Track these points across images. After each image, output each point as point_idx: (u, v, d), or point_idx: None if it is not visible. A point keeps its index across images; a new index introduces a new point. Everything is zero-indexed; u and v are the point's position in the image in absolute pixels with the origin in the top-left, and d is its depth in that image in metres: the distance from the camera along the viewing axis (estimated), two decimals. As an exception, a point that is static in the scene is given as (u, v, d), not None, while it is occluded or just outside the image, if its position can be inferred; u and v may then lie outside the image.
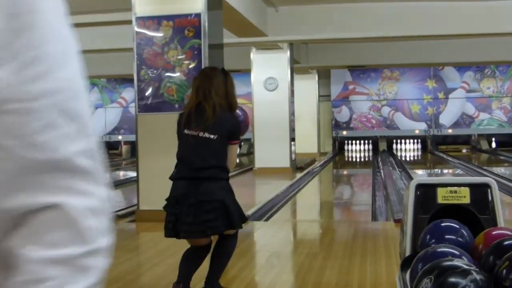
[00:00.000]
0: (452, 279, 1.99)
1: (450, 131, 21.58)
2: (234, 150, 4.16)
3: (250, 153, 18.20)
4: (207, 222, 3.86)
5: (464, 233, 2.54)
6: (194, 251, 4.13)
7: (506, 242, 2.33)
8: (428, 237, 2.56)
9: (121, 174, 16.14)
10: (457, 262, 2.09)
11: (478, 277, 1.99)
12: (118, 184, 12.86)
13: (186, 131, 4.16)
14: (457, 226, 2.57)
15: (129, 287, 4.55)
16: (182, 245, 6.10)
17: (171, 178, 4.24)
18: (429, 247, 2.36)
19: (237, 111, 4.27)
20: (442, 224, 2.60)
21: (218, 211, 3.88)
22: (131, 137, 21.46)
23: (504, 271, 2.07)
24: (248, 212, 7.29)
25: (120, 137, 23.28)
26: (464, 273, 2.00)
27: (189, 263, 4.11)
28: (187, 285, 4.01)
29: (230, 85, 4.21)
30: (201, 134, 4.04)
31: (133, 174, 10.83)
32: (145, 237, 6.97)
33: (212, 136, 4.01)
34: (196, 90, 4.16)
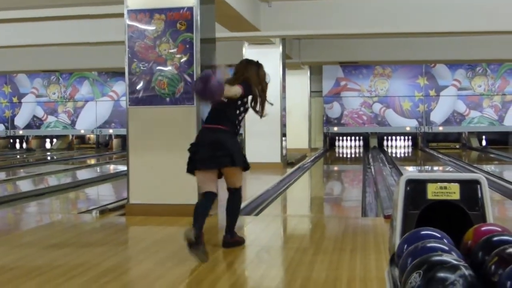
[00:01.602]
0: (441, 274, 1.99)
1: (441, 128, 21.65)
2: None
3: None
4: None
5: (445, 241, 2.50)
6: (203, 201, 5.35)
7: (495, 238, 2.33)
8: (405, 246, 2.51)
9: (112, 167, 16.11)
10: (446, 257, 2.09)
11: (467, 272, 1.99)
12: (108, 177, 12.83)
13: None
14: (438, 235, 2.53)
15: (118, 281, 4.54)
16: (170, 240, 6.09)
17: None
18: (419, 242, 2.35)
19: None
20: (422, 233, 2.56)
21: (229, 150, 5.27)
22: (122, 131, 21.42)
23: (493, 266, 2.08)
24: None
25: (111, 131, 23.24)
26: (453, 268, 2.00)
27: (200, 211, 5.21)
28: (200, 231, 5.01)
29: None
30: None
31: (124, 168, 10.84)
32: (135, 231, 6.95)
33: None
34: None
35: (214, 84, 5.06)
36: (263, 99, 5.57)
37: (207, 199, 5.36)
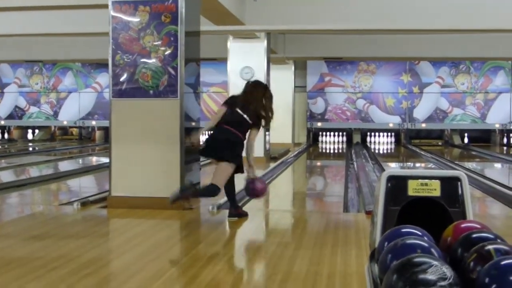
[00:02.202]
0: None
1: (423, 125, 21.75)
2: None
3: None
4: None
5: (425, 239, 2.50)
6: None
7: (475, 235, 2.35)
8: (386, 243, 2.51)
9: (94, 159, 16.03)
10: (427, 258, 2.08)
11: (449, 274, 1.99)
12: (90, 169, 12.78)
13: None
14: (419, 233, 2.53)
15: (99, 274, 4.52)
16: (151, 233, 6.09)
17: None
18: (399, 239, 2.36)
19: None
20: (402, 230, 2.56)
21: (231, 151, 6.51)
22: (105, 123, 21.31)
23: (472, 263, 2.09)
24: (220, 201, 7.29)
25: (94, 123, 23.11)
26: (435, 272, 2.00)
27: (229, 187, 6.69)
28: (234, 202, 6.72)
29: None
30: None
31: (106, 160, 10.77)
32: (116, 224, 6.93)
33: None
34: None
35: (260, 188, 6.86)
36: (268, 118, 6.68)
37: (208, 188, 6.57)
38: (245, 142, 6.62)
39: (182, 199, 6.51)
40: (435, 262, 2.00)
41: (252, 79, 7.01)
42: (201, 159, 7.99)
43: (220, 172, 6.48)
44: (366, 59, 21.22)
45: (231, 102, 6.67)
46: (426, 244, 2.32)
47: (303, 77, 22.15)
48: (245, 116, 6.51)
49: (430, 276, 1.95)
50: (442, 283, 1.93)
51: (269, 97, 6.69)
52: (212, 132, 6.65)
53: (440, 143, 22.11)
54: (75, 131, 23.92)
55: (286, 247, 5.35)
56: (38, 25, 13.01)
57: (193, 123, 7.92)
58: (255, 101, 6.55)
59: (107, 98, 20.38)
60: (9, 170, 12.72)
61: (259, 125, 6.65)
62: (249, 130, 6.59)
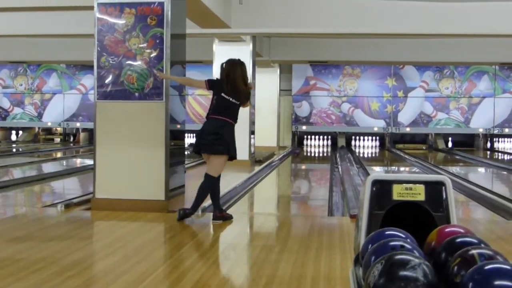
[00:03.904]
0: (401, 257, 2.01)
1: (408, 129, 21.85)
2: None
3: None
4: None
5: (408, 241, 2.51)
6: (202, 182, 6.62)
7: (458, 240, 2.36)
8: (370, 246, 2.53)
9: (78, 161, 15.96)
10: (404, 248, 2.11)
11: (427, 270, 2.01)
12: (74, 171, 12.71)
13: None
14: (402, 235, 2.55)
15: (82, 276, 4.50)
16: (135, 236, 6.06)
17: None
18: (381, 240, 2.37)
19: None
20: (386, 233, 2.58)
21: (222, 143, 6.54)
22: (89, 125, 21.24)
23: (456, 267, 2.10)
24: (205, 204, 7.27)
25: (78, 124, 23.02)
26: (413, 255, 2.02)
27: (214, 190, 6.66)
28: (218, 204, 6.68)
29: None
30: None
31: (90, 162, 10.75)
32: (100, 226, 6.90)
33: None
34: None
35: None
36: (249, 89, 6.78)
37: (206, 180, 6.61)
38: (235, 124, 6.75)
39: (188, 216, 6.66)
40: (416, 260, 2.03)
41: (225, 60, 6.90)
42: (186, 161, 7.99)
43: (215, 165, 6.61)
44: (351, 63, 21.29)
45: (217, 88, 6.65)
46: (409, 246, 2.33)
47: (289, 80, 22.19)
48: (233, 100, 6.58)
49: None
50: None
51: (245, 70, 6.77)
52: (202, 125, 6.67)
53: (424, 148, 22.22)
54: (59, 130, 23.78)
55: (270, 251, 5.35)
56: (23, 26, 12.94)
57: (178, 126, 7.91)
58: (239, 80, 6.61)
59: (91, 100, 20.33)
60: (-8, 172, 12.63)
61: (247, 101, 6.77)
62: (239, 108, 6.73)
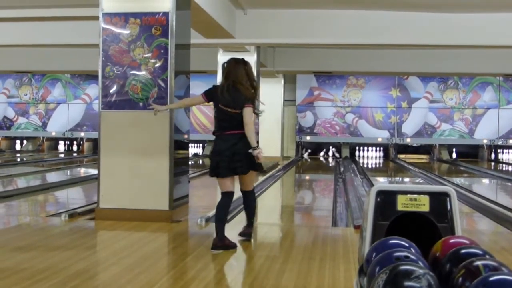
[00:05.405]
0: (406, 267, 2.00)
1: (410, 140, 21.84)
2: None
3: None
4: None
5: (412, 250, 2.52)
6: (222, 201, 5.97)
7: (463, 251, 2.35)
8: (374, 254, 2.53)
9: (82, 171, 15.97)
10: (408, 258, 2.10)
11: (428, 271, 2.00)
12: (78, 181, 12.72)
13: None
14: (406, 244, 2.54)
15: (85, 286, 4.49)
16: (139, 246, 6.06)
17: None
18: (386, 251, 2.37)
19: None
20: (390, 242, 2.57)
21: (243, 160, 5.85)
22: (94, 134, 21.27)
23: (460, 279, 2.10)
24: (209, 213, 7.27)
25: (82, 134, 23.06)
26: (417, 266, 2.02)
27: (221, 212, 5.90)
28: (222, 230, 5.82)
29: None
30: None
31: (94, 171, 10.73)
32: (104, 236, 6.89)
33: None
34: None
35: None
36: (255, 89, 6.09)
37: (226, 198, 5.98)
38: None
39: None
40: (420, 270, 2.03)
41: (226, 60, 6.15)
42: (190, 171, 7.96)
43: (247, 182, 6.18)
44: (356, 74, 21.31)
45: (214, 99, 5.97)
46: (413, 257, 2.33)
47: (293, 90, 22.21)
48: (231, 110, 5.83)
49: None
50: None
51: (251, 70, 6.10)
52: (213, 144, 6.01)
53: (427, 159, 22.19)
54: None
55: (274, 261, 5.34)
56: (28, 35, 12.98)
57: (183, 136, 7.91)
58: (241, 80, 5.91)
59: (96, 110, 20.36)
60: (-3, 181, 12.64)
61: (252, 103, 5.94)
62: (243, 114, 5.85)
